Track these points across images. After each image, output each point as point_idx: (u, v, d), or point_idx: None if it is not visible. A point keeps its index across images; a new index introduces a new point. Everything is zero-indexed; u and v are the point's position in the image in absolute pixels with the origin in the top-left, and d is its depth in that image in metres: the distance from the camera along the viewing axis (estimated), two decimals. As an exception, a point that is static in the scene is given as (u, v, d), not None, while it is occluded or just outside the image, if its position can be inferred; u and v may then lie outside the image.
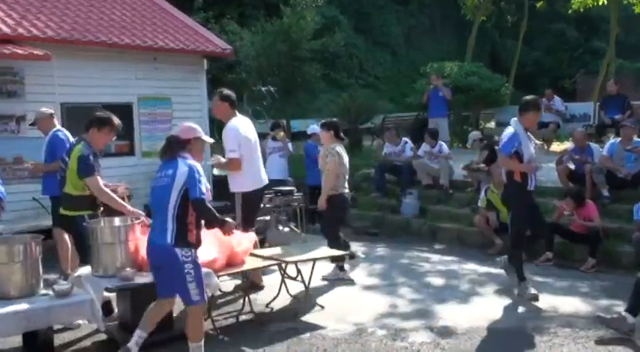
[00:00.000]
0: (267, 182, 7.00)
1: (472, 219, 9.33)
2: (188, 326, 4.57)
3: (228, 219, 4.66)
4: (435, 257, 8.53)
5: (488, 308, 6.06)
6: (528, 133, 6.39)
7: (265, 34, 15.67)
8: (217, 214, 4.51)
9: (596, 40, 34.46)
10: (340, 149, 7.17)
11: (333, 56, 20.91)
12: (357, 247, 9.01)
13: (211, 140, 4.89)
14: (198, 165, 4.49)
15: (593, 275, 7.46)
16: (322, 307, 6.13)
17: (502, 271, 7.01)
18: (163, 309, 4.76)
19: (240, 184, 6.65)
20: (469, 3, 22.01)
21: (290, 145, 11.29)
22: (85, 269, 5.22)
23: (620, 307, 5.98)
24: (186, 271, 4.37)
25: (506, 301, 6.31)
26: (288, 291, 6.35)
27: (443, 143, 11.17)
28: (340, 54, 21.68)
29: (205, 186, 4.48)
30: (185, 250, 4.38)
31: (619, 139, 9.10)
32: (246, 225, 6.40)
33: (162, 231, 4.39)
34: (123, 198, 5.95)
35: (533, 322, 5.57)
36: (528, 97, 6.55)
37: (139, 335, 4.59)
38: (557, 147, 13.85)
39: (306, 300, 6.13)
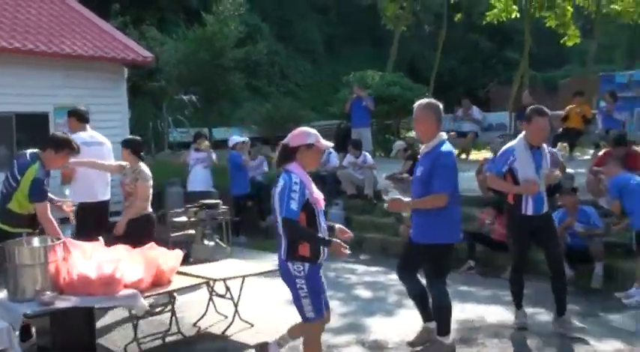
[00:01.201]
0: (103, 199, 7.29)
1: (397, 228, 9.44)
2: (303, 345, 4.53)
3: (334, 240, 4.24)
4: (361, 268, 8.58)
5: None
6: (547, 150, 5.70)
7: (187, 42, 15.42)
8: (311, 233, 4.18)
9: (509, 50, 35.77)
10: (145, 168, 6.78)
11: (254, 64, 20.84)
12: (283, 259, 8.95)
13: (330, 144, 4.47)
14: (300, 178, 4.17)
15: (514, 283, 7.66)
16: (252, 325, 6.03)
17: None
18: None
19: (72, 195, 7.23)
20: (389, 13, 22.40)
21: (214, 155, 11.10)
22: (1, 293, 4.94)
23: (542, 315, 6.20)
24: (298, 286, 4.24)
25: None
26: (216, 309, 6.22)
27: (367, 153, 11.28)
28: (262, 62, 21.65)
29: (310, 198, 4.19)
30: (297, 265, 4.22)
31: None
32: (79, 236, 6.28)
33: (280, 245, 4.28)
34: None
35: (462, 333, 5.66)
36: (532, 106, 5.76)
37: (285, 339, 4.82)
38: (475, 156, 14.25)
39: (234, 318, 6.01)
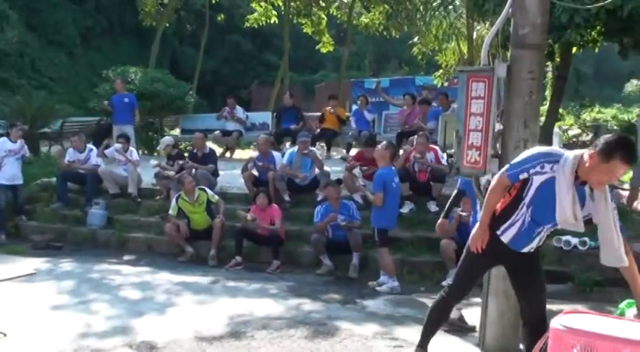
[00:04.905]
0: None
1: (162, 227, 9.27)
2: None
3: None
4: (127, 268, 8.27)
5: (186, 317, 6.05)
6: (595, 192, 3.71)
7: None
8: None
9: (269, 53, 37.07)
10: None
11: (2, 54, 19.01)
12: (39, 263, 8.31)
13: None
14: None
15: (278, 276, 7.97)
16: (4, 334, 5.49)
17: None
18: None
19: None
20: (147, 8, 21.87)
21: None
22: None
23: (306, 305, 6.53)
24: None
25: (203, 309, 6.37)
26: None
27: (133, 149, 10.91)
28: (10, 51, 19.79)
29: None
30: None
31: (296, 148, 9.85)
32: None
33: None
34: None
35: (232, 327, 5.71)
36: (614, 136, 3.57)
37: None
38: (240, 154, 14.51)
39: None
